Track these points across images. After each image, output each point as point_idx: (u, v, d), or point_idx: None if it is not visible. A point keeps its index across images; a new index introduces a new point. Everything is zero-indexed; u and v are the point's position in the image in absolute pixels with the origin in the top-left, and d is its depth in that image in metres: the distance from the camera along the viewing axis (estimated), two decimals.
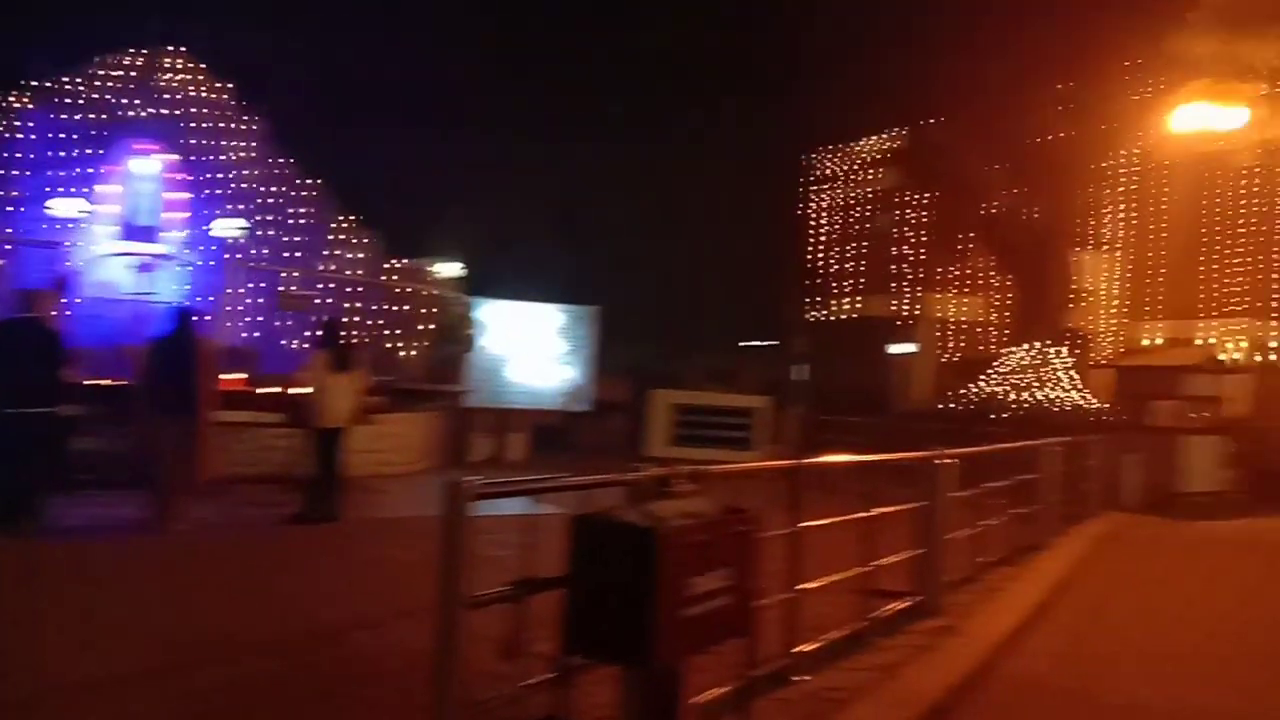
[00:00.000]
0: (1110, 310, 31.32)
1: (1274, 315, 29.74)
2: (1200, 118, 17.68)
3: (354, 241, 18.60)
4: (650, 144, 22.37)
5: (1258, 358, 28.65)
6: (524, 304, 18.11)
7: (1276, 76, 17.28)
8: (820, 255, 31.77)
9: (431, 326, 18.25)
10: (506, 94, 21.82)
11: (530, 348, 17.94)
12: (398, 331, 18.37)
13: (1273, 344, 29.71)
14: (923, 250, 29.18)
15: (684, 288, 22.00)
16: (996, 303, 29.28)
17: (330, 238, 18.36)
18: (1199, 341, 27.06)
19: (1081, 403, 20.23)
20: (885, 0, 19.52)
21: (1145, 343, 29.47)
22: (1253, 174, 26.28)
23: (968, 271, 28.35)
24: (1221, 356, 22.89)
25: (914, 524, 6.88)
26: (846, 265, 32.10)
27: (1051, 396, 20.19)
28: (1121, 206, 30.61)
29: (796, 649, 5.02)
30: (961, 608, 7.01)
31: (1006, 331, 26.09)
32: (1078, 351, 24.52)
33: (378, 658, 5.19)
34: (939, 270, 28.21)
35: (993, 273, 27.95)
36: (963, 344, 29.36)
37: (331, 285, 17.66)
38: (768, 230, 23.88)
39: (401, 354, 18.26)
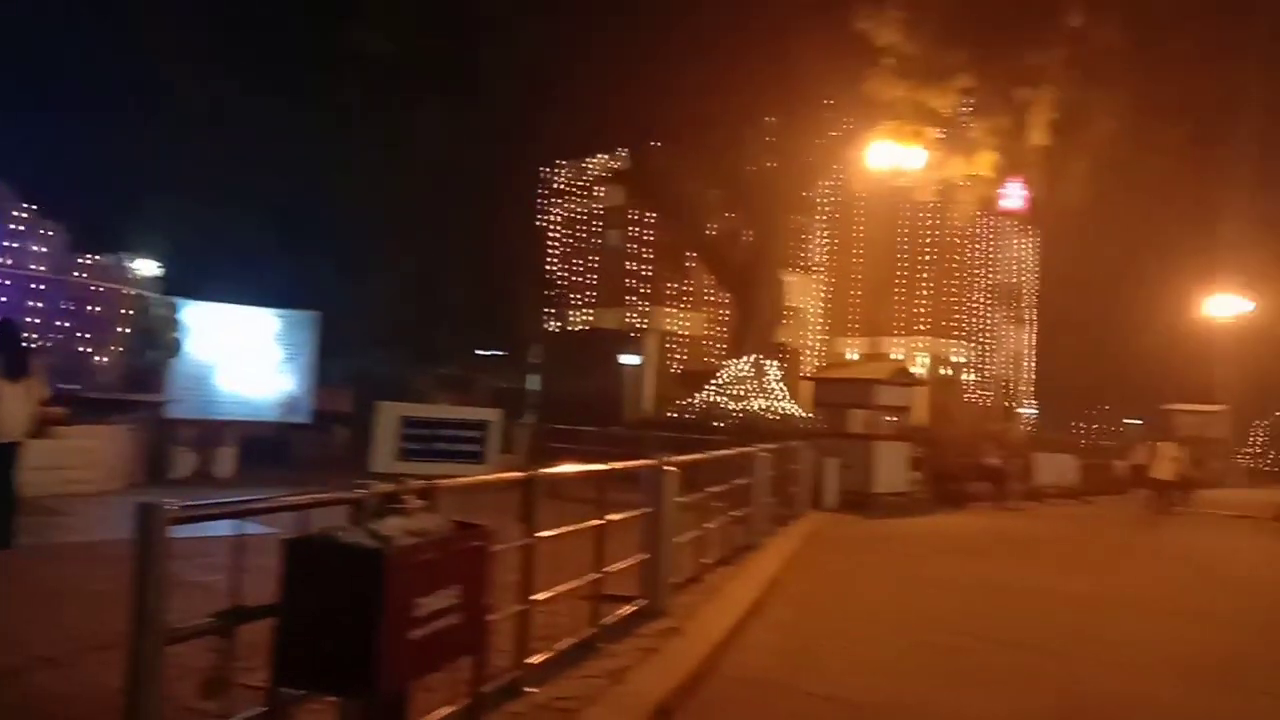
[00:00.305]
0: (815, 327, 34.15)
1: (952, 334, 33.75)
2: (889, 155, 19.72)
3: (35, 233, 16.50)
4: (383, 149, 21.59)
5: (942, 371, 32.38)
6: (235, 307, 16.91)
7: (949, 123, 19.59)
8: (555, 267, 32.16)
9: (129, 329, 16.56)
10: (222, 87, 20.28)
11: (242, 354, 16.78)
12: (88, 334, 16.51)
13: (956, 359, 33.69)
14: (650, 267, 30.32)
15: (415, 296, 21.42)
16: (717, 318, 30.99)
17: (9, 227, 16.18)
18: (893, 356, 30.11)
19: (791, 412, 21.83)
20: (615, 24, 20.10)
21: (846, 356, 32.38)
22: (932, 209, 29.67)
23: (690, 288, 29.79)
24: (914, 370, 25.53)
25: (641, 529, 7.08)
26: (580, 278, 32.71)
27: (765, 406, 21.62)
28: (824, 233, 33.50)
29: (528, 660, 4.99)
30: (686, 608, 7.29)
31: (725, 345, 27.65)
32: (786, 365, 26.44)
33: (65, 699, 4.59)
34: (666, 286, 29.43)
35: (712, 290, 29.55)
36: (687, 356, 30.80)
37: (7, 281, 15.56)
38: (503, 240, 23.80)
39: (94, 359, 16.43)
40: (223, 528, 3.17)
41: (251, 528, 3.19)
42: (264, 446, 17.58)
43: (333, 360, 21.07)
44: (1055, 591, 10.20)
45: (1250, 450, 41.68)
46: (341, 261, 20.32)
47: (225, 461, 16.46)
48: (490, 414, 8.58)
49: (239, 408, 16.72)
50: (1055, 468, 24.26)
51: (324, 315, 17.85)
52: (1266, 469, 37.79)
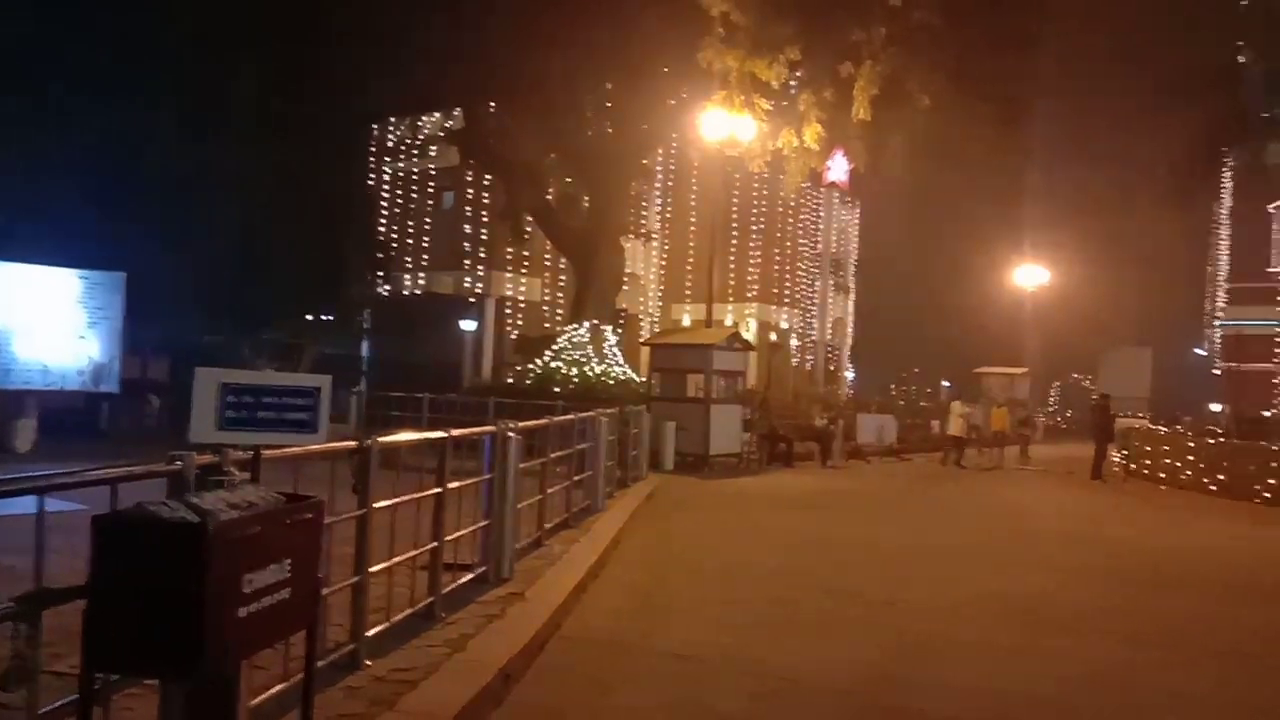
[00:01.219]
0: (652, 293, 34.61)
1: (780, 301, 34.95)
2: (722, 125, 20.09)
3: None
4: (201, 102, 20.12)
5: (771, 336, 33.50)
6: (32, 267, 15.54)
7: (779, 95, 20.11)
8: (387, 229, 31.14)
9: None
10: (21, 35, 18.28)
11: (41, 319, 15.47)
12: None
13: (784, 325, 34.89)
14: (486, 230, 29.83)
15: (237, 258, 20.20)
16: (556, 284, 30.88)
17: None
18: (726, 322, 30.90)
19: (629, 377, 22.09)
20: None
21: (681, 322, 33.00)
22: (762, 179, 30.50)
23: (528, 253, 29.53)
24: (745, 335, 26.27)
25: (482, 496, 7.00)
26: (414, 240, 31.83)
27: (603, 372, 21.78)
28: (662, 200, 33.90)
29: (366, 633, 4.87)
30: (528, 573, 7.28)
31: (564, 311, 27.62)
32: (624, 330, 26.70)
33: None
34: (505, 250, 29.05)
35: (551, 256, 29.39)
36: (525, 322, 30.59)
37: None
38: (331, 200, 22.75)
39: None
40: (23, 505, 2.90)
41: (57, 504, 2.94)
42: (70, 418, 16.35)
43: (148, 326, 19.69)
44: (881, 544, 10.81)
45: (1048, 409, 45.23)
46: (156, 221, 18.89)
47: (24, 434, 15.21)
48: (319, 380, 8.22)
49: (39, 376, 15.44)
50: (876, 428, 25.62)
51: (136, 278, 16.63)
52: (1062, 426, 41.16)
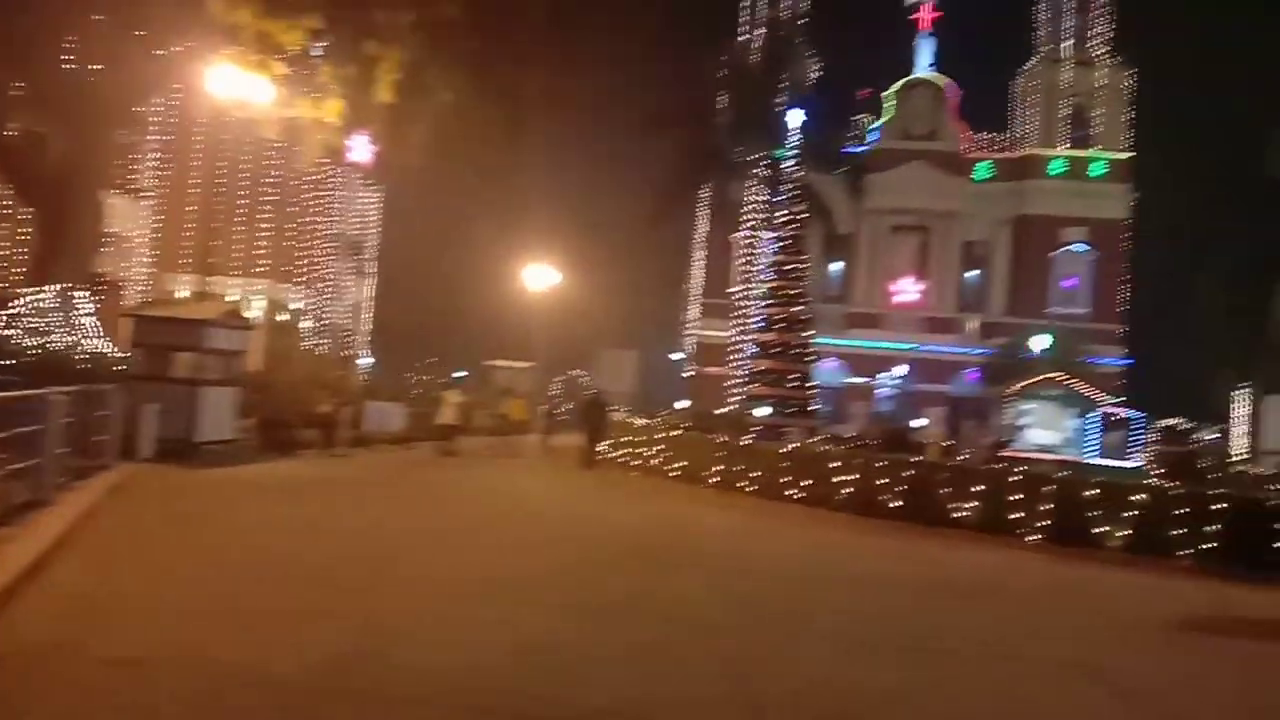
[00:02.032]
0: (141, 259, 30.93)
1: (292, 280, 33.27)
2: (234, 84, 18.59)
3: None
4: None
5: (280, 316, 31.72)
6: None
7: (298, 62, 19.15)
8: None
9: None
10: None
11: None
12: None
13: (295, 306, 33.20)
14: None
15: None
16: (16, 237, 26.22)
17: None
18: (228, 297, 28.62)
19: (104, 351, 19.49)
20: None
21: (175, 294, 29.93)
22: (278, 149, 28.84)
23: None
24: (250, 314, 24.53)
25: None
26: None
27: (73, 343, 18.98)
28: (158, 156, 30.44)
29: None
30: None
31: (24, 270, 23.57)
32: (104, 298, 23.53)
33: None
34: None
35: (10, 204, 24.92)
36: None
37: None
38: None
39: None
40: None
41: None
42: None
43: None
44: (369, 530, 10.75)
45: (551, 401, 48.50)
46: None
47: None
48: None
49: None
50: (384, 416, 25.52)
51: None
52: (562, 419, 44.40)
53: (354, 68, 18.86)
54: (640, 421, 25.24)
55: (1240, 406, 41.82)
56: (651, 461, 20.60)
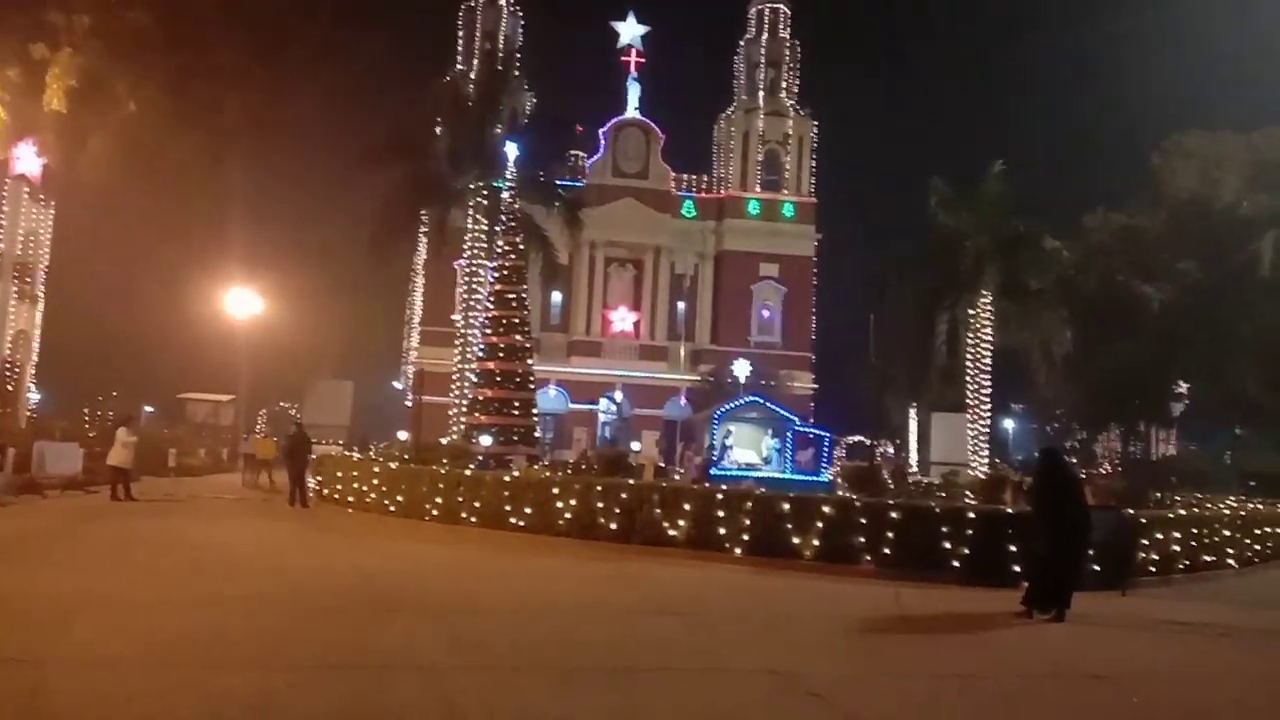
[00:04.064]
0: None
1: None
2: None
3: None
4: None
5: None
6: None
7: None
8: None
9: None
10: None
11: None
12: None
13: None
14: None
15: None
16: None
17: None
18: None
19: None
20: None
21: None
22: None
23: None
24: None
25: None
26: None
27: None
28: None
29: None
30: None
31: None
32: None
33: None
34: None
35: None
36: None
37: None
38: None
39: None
40: None
41: None
42: None
43: None
44: (19, 595, 9.38)
45: (254, 436, 45.36)
46: None
47: None
48: None
49: None
50: (59, 457, 22.73)
51: None
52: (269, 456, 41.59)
53: (19, 71, 16.78)
54: (356, 455, 24.23)
55: (912, 423, 47.18)
56: (369, 497, 19.82)
